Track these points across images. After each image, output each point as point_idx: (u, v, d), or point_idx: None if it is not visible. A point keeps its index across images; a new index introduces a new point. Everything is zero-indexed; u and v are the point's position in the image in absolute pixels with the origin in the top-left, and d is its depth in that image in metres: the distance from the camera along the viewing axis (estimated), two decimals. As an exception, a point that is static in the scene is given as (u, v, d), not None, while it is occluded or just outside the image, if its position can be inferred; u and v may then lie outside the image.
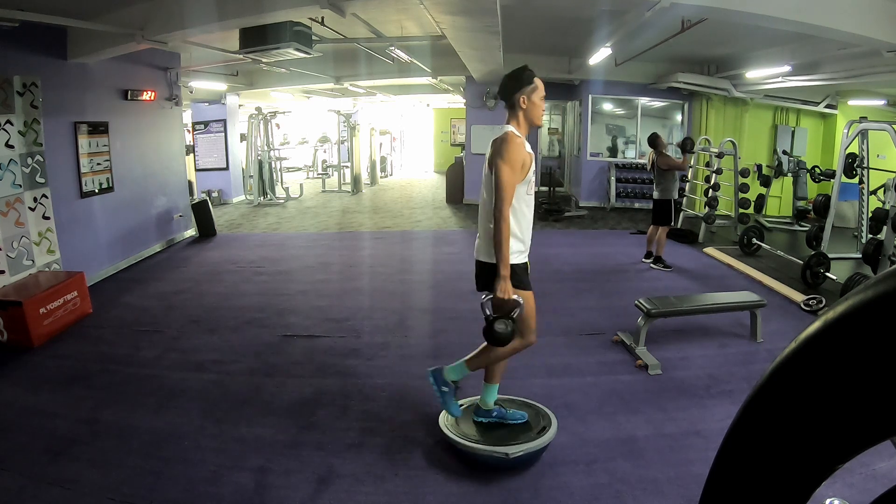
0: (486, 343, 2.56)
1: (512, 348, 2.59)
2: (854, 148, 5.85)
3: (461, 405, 2.90)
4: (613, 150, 10.76)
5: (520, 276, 2.52)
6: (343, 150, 13.90)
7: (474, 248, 2.62)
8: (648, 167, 6.31)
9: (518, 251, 2.51)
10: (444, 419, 2.79)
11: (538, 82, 2.52)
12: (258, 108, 11.51)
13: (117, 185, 6.22)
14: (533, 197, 2.58)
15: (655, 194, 6.21)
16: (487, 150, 2.53)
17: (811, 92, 8.89)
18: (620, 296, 5.09)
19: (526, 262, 2.58)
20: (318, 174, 14.33)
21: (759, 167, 9.20)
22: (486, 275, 2.50)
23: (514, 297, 2.41)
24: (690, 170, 8.78)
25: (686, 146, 6.29)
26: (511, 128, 2.50)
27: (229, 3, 4.58)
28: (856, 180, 6.05)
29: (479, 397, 2.85)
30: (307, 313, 4.80)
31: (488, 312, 2.45)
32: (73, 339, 4.30)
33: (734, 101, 9.76)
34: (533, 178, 2.54)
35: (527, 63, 2.62)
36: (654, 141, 6.16)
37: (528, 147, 2.50)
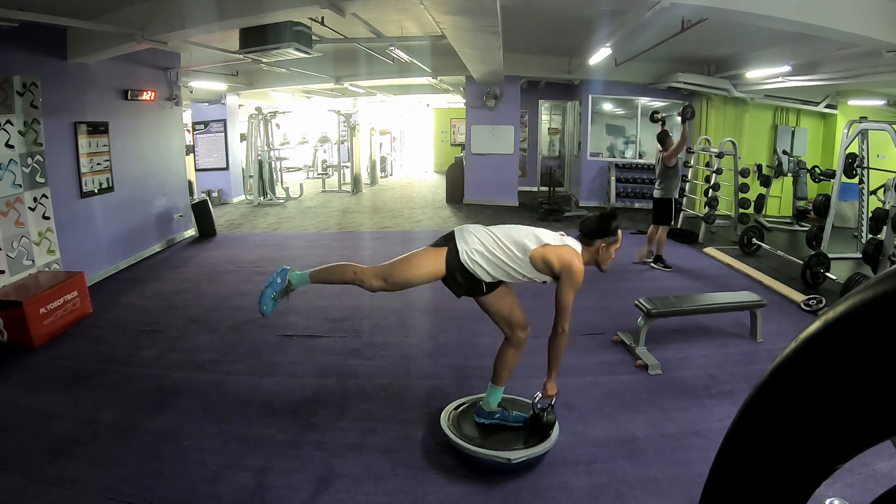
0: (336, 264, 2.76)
1: (517, 344, 2.73)
2: (854, 148, 5.85)
3: (463, 404, 2.90)
4: (613, 150, 10.77)
5: (480, 283, 2.55)
6: (343, 150, 13.90)
7: (460, 253, 2.48)
8: (657, 168, 6.28)
9: (484, 269, 2.49)
10: (445, 420, 2.78)
11: (620, 236, 2.61)
12: (258, 108, 11.50)
13: (117, 185, 6.22)
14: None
15: (656, 193, 6.20)
16: (552, 240, 2.51)
17: (811, 92, 8.88)
18: (620, 296, 5.08)
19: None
20: (318, 174, 14.32)
21: (759, 167, 9.18)
22: (468, 280, 2.53)
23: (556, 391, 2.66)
24: (690, 170, 8.78)
25: (686, 114, 5.94)
26: (579, 250, 2.55)
27: (229, 3, 4.58)
28: (856, 180, 6.05)
29: (481, 396, 2.85)
30: (307, 313, 4.79)
31: (539, 407, 2.64)
32: (73, 339, 4.30)
33: (734, 101, 9.75)
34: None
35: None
36: (662, 140, 6.13)
37: None
